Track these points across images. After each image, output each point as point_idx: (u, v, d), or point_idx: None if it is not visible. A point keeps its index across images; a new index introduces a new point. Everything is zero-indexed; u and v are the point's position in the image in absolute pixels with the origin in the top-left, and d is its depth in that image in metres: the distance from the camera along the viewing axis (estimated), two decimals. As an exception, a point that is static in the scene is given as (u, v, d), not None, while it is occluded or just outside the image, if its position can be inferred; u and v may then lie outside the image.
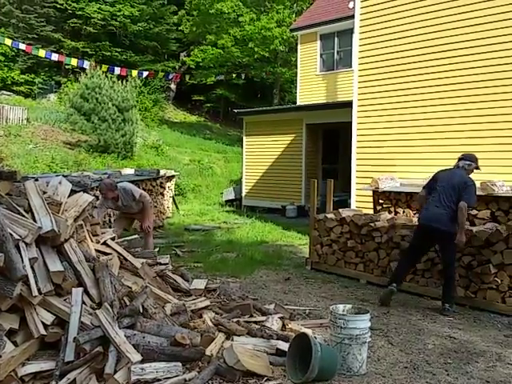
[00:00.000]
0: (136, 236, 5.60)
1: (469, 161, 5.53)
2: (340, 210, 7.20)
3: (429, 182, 5.67)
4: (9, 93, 24.93)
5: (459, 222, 5.26)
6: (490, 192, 6.10)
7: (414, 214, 7.14)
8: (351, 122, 9.08)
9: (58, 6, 28.26)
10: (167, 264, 5.19)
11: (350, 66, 14.56)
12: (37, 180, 4.42)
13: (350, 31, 13.74)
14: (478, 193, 6.21)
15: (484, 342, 4.53)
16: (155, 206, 11.11)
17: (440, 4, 7.84)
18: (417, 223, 5.74)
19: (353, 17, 9.36)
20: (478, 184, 6.27)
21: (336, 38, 16.10)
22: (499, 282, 5.32)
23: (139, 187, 8.44)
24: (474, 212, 6.24)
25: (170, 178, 12.78)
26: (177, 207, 13.67)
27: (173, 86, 33.49)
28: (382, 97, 8.58)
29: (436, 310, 5.48)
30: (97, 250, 4.43)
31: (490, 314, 5.30)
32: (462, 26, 7.60)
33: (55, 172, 13.87)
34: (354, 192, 8.97)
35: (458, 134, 7.68)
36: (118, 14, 28.79)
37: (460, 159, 5.60)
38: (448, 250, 5.40)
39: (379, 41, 8.61)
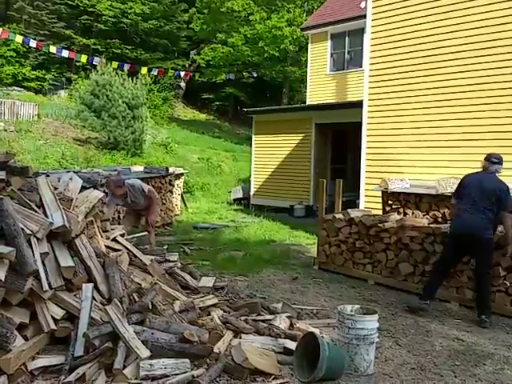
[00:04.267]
0: (146, 233, 5.63)
1: (498, 163, 5.29)
2: (349, 210, 7.18)
3: (457, 189, 5.43)
4: (20, 89, 25.06)
5: (506, 233, 5.14)
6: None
7: (424, 215, 7.11)
8: (361, 122, 9.06)
9: (70, 3, 28.48)
10: (176, 261, 5.21)
11: (361, 66, 14.50)
12: (48, 176, 4.46)
13: (361, 31, 13.69)
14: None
15: (492, 344, 4.51)
16: (163, 203, 11.14)
17: (453, 5, 7.80)
18: (448, 233, 5.49)
19: (364, 16, 9.32)
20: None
21: (347, 38, 16.04)
22: (508, 284, 5.30)
23: (148, 184, 8.47)
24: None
25: (178, 176, 12.81)
26: (185, 205, 13.70)
27: (182, 84, 33.56)
28: (392, 97, 8.55)
29: (443, 311, 5.47)
30: (106, 246, 4.46)
31: (498, 317, 5.27)
32: (478, 27, 7.52)
33: (65, 168, 13.98)
34: (362, 192, 8.96)
35: (470, 136, 7.63)
36: (130, 11, 28.92)
37: (492, 162, 5.28)
38: (484, 258, 5.18)
39: (391, 41, 8.57)
